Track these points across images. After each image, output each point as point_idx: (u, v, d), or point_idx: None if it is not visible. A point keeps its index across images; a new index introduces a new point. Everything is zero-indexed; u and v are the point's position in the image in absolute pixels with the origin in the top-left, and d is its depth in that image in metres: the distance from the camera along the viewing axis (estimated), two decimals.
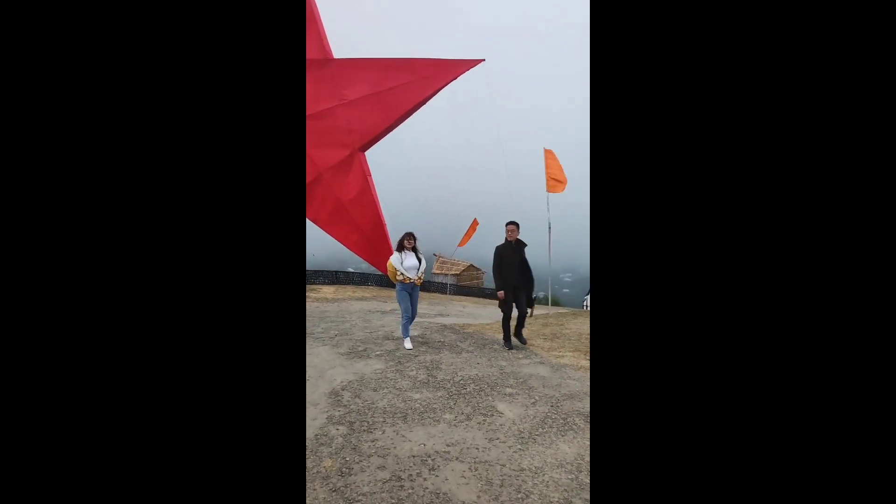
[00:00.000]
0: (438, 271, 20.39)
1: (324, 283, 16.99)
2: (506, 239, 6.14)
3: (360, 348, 6.05)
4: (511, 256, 6.03)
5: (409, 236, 6.45)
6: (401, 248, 6.37)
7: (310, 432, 3.44)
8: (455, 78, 16.94)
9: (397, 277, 6.28)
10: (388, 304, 12.08)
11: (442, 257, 21.11)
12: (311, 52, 17.63)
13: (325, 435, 3.39)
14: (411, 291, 6.33)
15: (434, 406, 3.96)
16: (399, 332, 7.07)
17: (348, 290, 15.14)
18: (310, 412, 3.84)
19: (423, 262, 6.47)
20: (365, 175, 17.61)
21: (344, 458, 3.04)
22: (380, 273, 17.92)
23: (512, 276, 6.01)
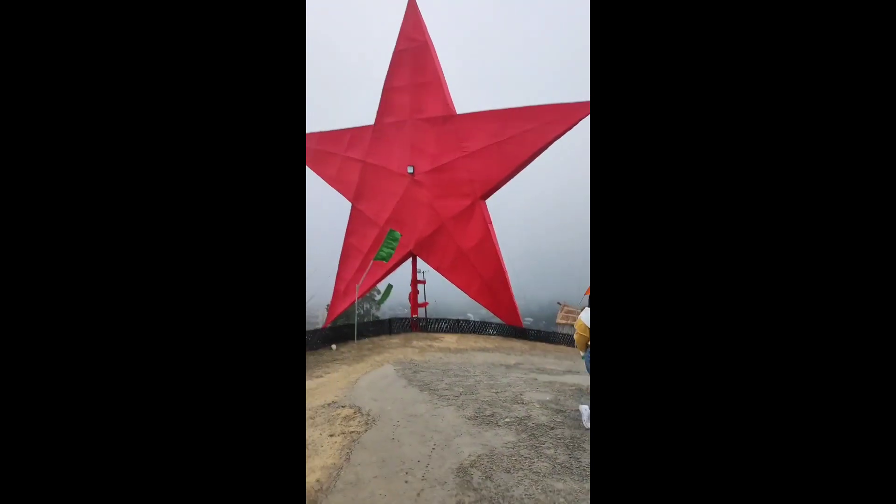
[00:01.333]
0: (563, 321, 19.13)
1: (446, 332, 17.00)
2: None
3: (487, 412, 5.54)
4: None
5: None
6: None
7: None
8: (578, 121, 16.35)
9: (589, 343, 4.77)
10: (511, 357, 11.45)
11: (567, 306, 19.85)
12: (435, 110, 18.67)
13: None
14: None
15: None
16: (529, 394, 6.41)
17: (470, 340, 14.85)
18: (436, 493, 3.42)
19: None
20: (486, 223, 17.64)
21: None
22: (500, 321, 17.42)
23: None
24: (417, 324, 17.64)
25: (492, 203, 17.96)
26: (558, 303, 21.03)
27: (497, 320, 17.90)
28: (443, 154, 17.74)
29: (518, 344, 15.06)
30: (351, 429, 5.26)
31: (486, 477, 3.68)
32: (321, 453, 4.54)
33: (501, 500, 3.27)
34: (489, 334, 16.89)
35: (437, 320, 18.76)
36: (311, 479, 3.92)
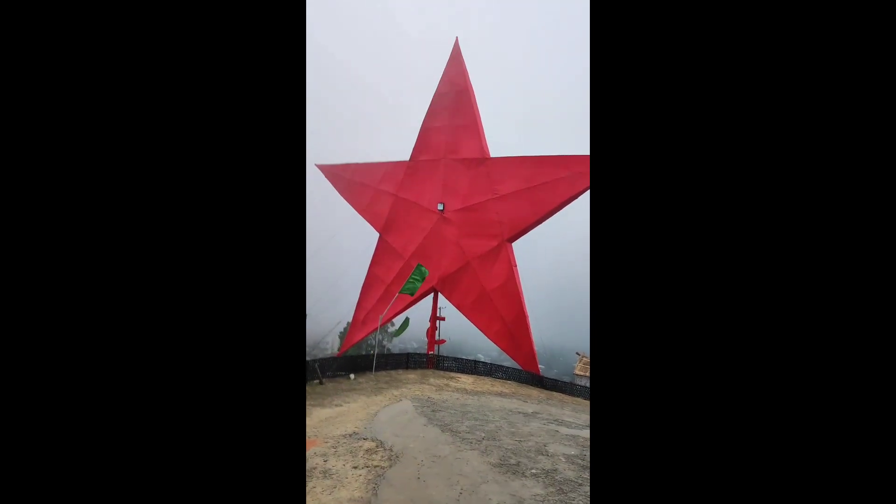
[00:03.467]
0: (582, 373, 18.69)
1: (457, 371, 16.77)
2: None
3: (511, 460, 5.44)
4: None
5: None
6: None
7: None
8: None
9: None
10: (528, 405, 11.20)
11: (586, 357, 19.46)
12: (470, 152, 19.16)
13: None
14: None
15: None
16: (553, 447, 6.27)
17: (486, 383, 14.62)
18: None
19: None
20: (511, 265, 17.71)
21: None
22: (513, 364, 17.11)
23: None
24: (434, 360, 17.49)
25: (516, 247, 18.08)
26: (577, 353, 20.63)
27: (508, 364, 17.61)
28: (474, 194, 18.09)
29: (534, 392, 14.73)
30: (374, 463, 5.23)
31: None
32: (347, 485, 4.52)
33: None
34: (498, 377, 16.58)
35: (454, 359, 18.56)
36: None
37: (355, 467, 5.08)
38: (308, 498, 4.21)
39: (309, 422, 7.27)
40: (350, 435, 6.47)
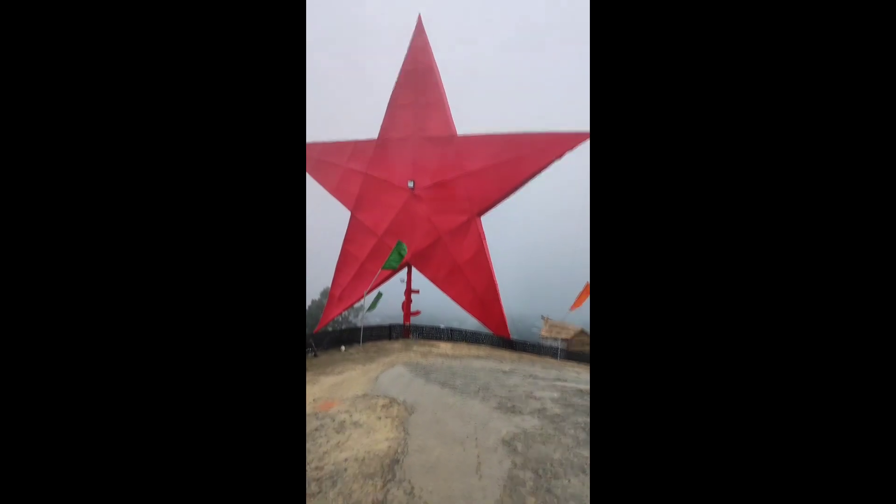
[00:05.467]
0: (547, 334, 20.30)
1: (440, 340, 17.88)
2: None
3: (508, 404, 6.51)
4: None
5: None
6: None
7: (501, 472, 3.95)
8: (570, 150, 17.68)
9: None
10: (504, 364, 12.43)
11: (551, 320, 21.05)
12: (437, 130, 19.69)
13: (516, 477, 3.86)
14: None
15: None
16: (539, 392, 7.41)
17: (463, 348, 15.81)
18: (493, 456, 4.37)
19: None
20: (481, 238, 18.74)
21: (544, 500, 3.47)
22: (482, 329, 18.42)
23: None
24: (410, 331, 18.48)
25: (486, 217, 19.08)
26: (543, 317, 22.21)
27: (479, 330, 18.98)
28: (443, 171, 18.81)
29: (507, 353, 16.09)
30: (394, 413, 6.14)
31: (527, 447, 4.66)
32: (379, 430, 5.41)
33: (545, 461, 4.25)
34: (473, 342, 17.90)
35: (427, 328, 19.60)
36: (383, 446, 4.80)
37: (379, 418, 5.97)
38: (350, 442, 5.07)
39: (320, 388, 8.06)
40: (362, 396, 7.32)
